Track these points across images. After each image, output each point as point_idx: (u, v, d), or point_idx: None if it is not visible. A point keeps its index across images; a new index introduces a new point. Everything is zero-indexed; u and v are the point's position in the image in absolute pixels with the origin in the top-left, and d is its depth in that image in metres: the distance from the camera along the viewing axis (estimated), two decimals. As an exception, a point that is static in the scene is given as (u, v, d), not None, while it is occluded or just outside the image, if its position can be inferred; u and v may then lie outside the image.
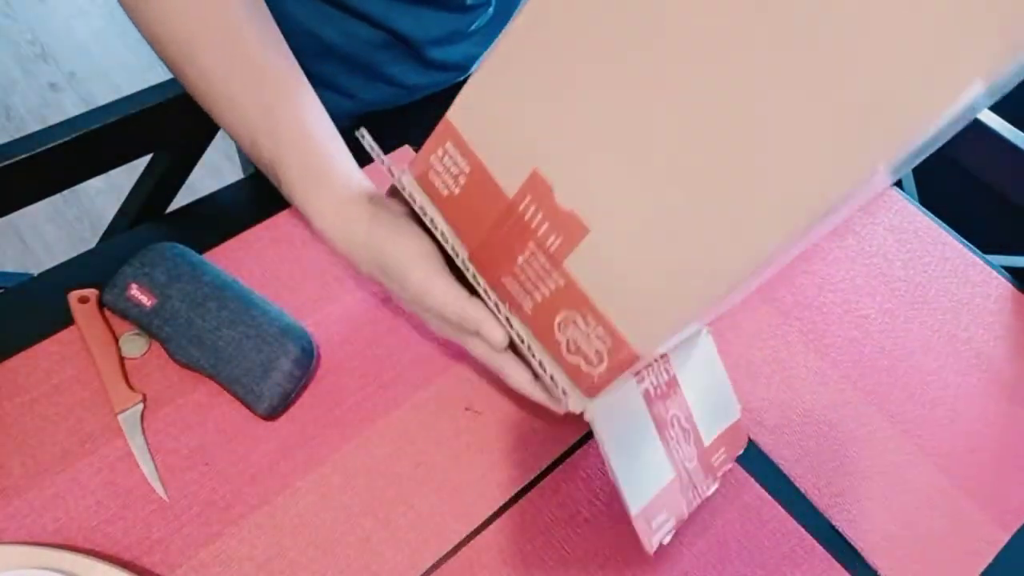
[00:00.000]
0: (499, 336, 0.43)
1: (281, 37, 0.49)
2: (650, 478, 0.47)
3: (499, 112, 0.41)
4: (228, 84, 0.46)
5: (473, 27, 0.70)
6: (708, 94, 0.33)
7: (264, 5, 0.49)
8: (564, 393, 0.43)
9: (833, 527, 0.53)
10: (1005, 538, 0.54)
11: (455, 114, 0.43)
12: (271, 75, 0.47)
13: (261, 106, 0.46)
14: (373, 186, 0.49)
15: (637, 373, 0.47)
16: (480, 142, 0.42)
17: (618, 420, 0.45)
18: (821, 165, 0.31)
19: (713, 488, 0.51)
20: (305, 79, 0.49)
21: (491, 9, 0.69)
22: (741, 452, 0.54)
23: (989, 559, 0.53)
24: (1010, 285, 0.68)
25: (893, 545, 0.53)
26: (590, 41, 0.36)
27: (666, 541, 0.48)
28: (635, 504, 0.45)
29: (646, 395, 0.47)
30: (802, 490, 0.55)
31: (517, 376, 0.46)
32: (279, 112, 0.47)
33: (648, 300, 0.39)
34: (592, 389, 0.43)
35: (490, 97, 0.41)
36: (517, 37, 0.39)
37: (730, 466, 0.53)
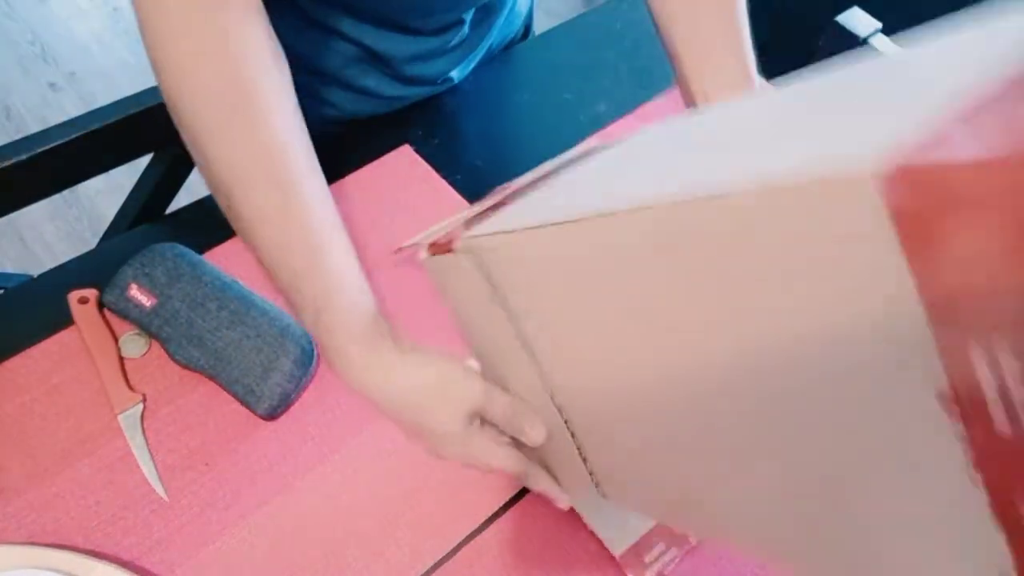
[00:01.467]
0: (540, 433, 0.44)
1: (324, 183, 0.47)
2: (636, 519, 0.49)
3: None
4: (280, 227, 0.44)
5: (449, 45, 0.69)
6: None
7: (303, 126, 0.47)
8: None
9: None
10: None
11: None
12: (319, 228, 0.45)
13: (309, 254, 0.44)
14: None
15: None
16: None
17: None
18: None
19: None
20: (343, 229, 0.47)
21: (466, 28, 0.69)
22: None
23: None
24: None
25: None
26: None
27: (668, 570, 0.49)
28: (617, 548, 0.49)
29: None
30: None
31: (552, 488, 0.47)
32: (326, 265, 0.44)
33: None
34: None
35: None
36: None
37: None
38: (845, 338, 0.22)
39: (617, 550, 0.49)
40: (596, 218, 0.27)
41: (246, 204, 0.44)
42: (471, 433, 0.45)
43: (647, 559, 0.49)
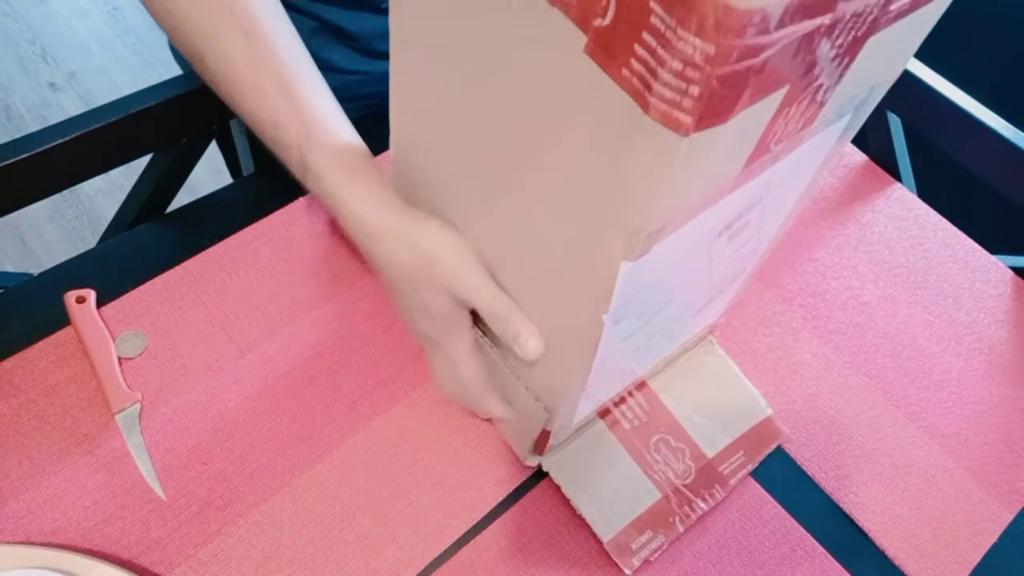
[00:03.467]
0: (535, 345, 0.41)
1: (292, 26, 0.50)
2: (624, 505, 0.51)
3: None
4: (251, 69, 0.46)
5: None
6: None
7: None
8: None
9: (840, 510, 0.54)
10: (1009, 517, 0.55)
11: None
12: (291, 61, 0.47)
13: (284, 91, 0.46)
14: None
15: (604, 413, 0.53)
16: None
17: (579, 463, 0.52)
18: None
19: (722, 494, 0.52)
20: (316, 68, 0.49)
21: None
22: (772, 448, 0.55)
23: (994, 538, 0.54)
24: (1010, 271, 0.68)
25: (900, 526, 0.53)
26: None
27: (653, 557, 0.50)
28: (606, 533, 0.50)
29: (615, 429, 0.53)
30: (809, 474, 0.55)
31: (497, 409, 0.48)
32: (302, 96, 0.46)
33: (538, 383, 0.45)
34: (537, 449, 0.51)
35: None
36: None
37: (752, 466, 0.54)
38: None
39: (605, 536, 0.50)
40: None
41: (219, 57, 0.46)
42: (453, 321, 0.44)
43: (634, 546, 0.50)
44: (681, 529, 0.51)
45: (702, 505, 0.51)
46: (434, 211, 0.44)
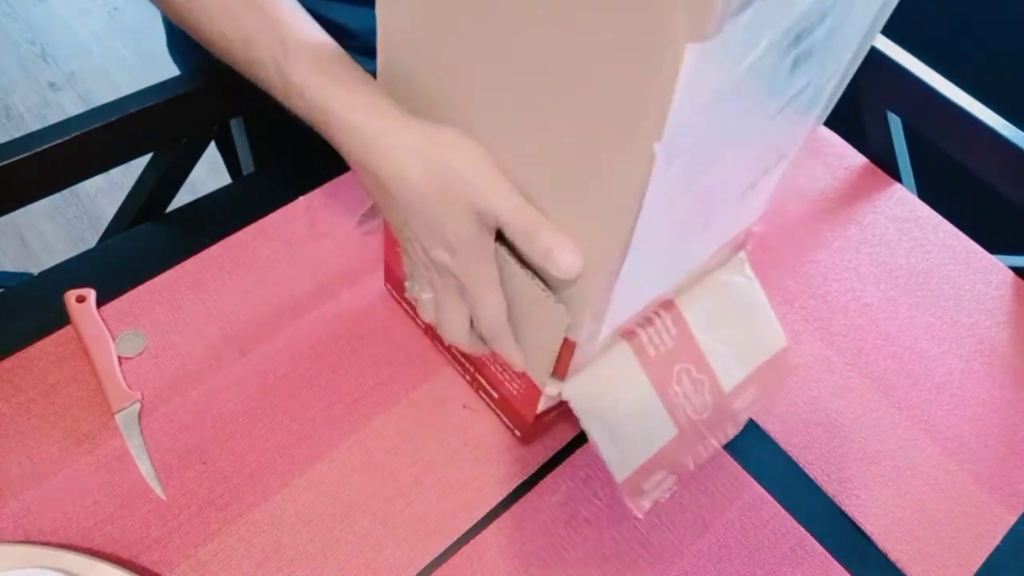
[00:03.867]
0: (571, 260, 0.36)
1: None
2: (642, 442, 0.46)
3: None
4: None
5: None
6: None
7: None
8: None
9: (842, 512, 0.54)
10: (1012, 520, 0.55)
11: None
12: None
13: (252, 6, 0.42)
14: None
15: (630, 335, 0.46)
16: None
17: (601, 392, 0.45)
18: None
19: (734, 433, 0.49)
20: None
21: None
22: (782, 383, 0.53)
23: (996, 540, 0.54)
24: (1011, 272, 0.68)
25: (902, 528, 0.53)
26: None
27: (664, 498, 0.47)
28: (621, 472, 0.45)
29: (641, 356, 0.46)
30: (811, 476, 0.55)
31: (514, 353, 0.43)
32: (271, 9, 0.42)
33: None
34: (558, 370, 0.44)
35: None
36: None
37: (759, 405, 0.50)
38: None
39: (620, 475, 0.46)
40: None
41: None
42: (475, 247, 0.38)
43: (646, 486, 0.47)
44: (692, 468, 0.47)
45: (714, 443, 0.48)
46: (434, 84, 0.39)
